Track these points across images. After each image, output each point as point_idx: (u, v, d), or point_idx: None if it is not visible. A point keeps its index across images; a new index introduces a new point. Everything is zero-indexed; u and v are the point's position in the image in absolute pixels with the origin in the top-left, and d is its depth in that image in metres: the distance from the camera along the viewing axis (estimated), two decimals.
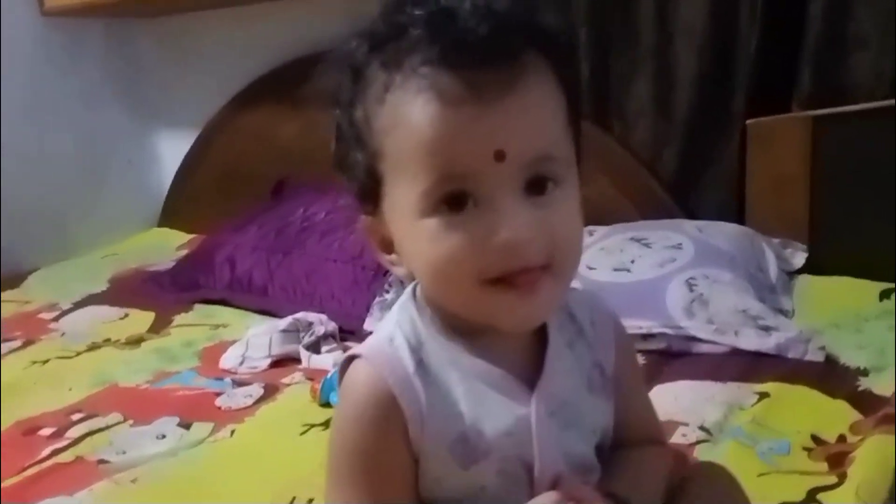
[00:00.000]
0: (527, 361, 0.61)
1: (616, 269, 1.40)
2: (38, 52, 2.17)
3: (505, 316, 0.56)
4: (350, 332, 1.46)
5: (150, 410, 1.21)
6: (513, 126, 0.53)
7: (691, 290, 1.31)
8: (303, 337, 1.40)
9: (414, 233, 0.55)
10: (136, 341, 1.53)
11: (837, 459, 0.91)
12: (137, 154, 2.44)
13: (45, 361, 1.46)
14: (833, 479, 0.88)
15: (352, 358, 0.61)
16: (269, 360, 1.36)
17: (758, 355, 1.20)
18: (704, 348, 1.24)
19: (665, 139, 1.66)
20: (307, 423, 1.12)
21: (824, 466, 0.91)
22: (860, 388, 1.08)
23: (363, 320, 1.47)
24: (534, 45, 0.55)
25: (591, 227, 1.55)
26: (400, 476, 0.59)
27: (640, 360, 1.23)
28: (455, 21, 0.53)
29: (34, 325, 1.66)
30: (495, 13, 0.53)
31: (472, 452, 0.58)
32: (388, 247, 0.60)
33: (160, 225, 2.40)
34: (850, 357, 1.17)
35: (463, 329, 0.60)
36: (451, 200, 0.53)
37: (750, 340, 1.22)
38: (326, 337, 1.41)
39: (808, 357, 1.18)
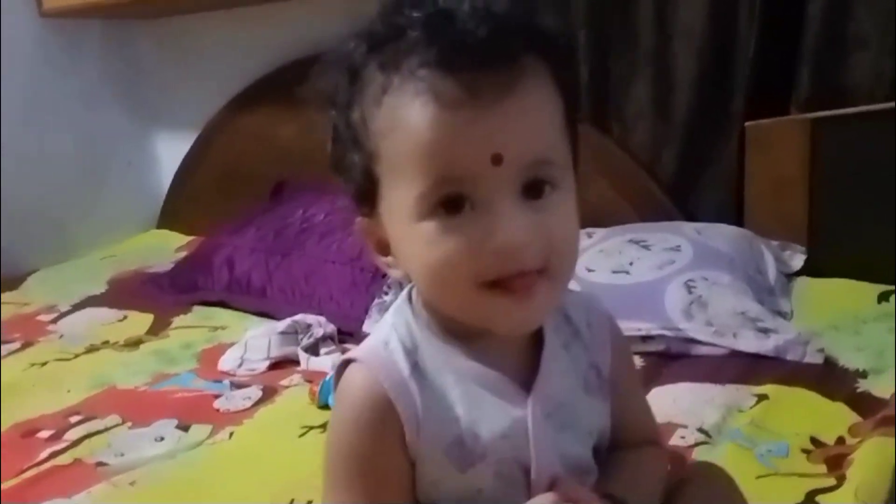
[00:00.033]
0: (523, 363, 0.61)
1: (615, 271, 1.40)
2: (36, 53, 2.17)
3: (501, 319, 0.56)
4: (349, 333, 1.46)
5: (149, 412, 1.21)
6: (510, 129, 0.53)
7: (690, 292, 1.31)
8: (301, 339, 1.40)
9: (410, 235, 0.55)
10: (134, 343, 1.53)
11: (836, 461, 0.91)
12: (137, 155, 2.44)
13: (44, 363, 1.46)
14: (832, 482, 0.88)
15: (347, 362, 0.61)
16: (267, 362, 1.36)
17: (756, 357, 1.20)
18: (703, 350, 1.24)
19: (664, 141, 1.66)
20: (306, 425, 1.11)
21: (823, 468, 0.91)
22: (859, 390, 1.08)
23: (362, 322, 1.47)
24: (532, 47, 0.54)
25: (589, 229, 1.55)
26: (396, 479, 0.59)
27: (639, 362, 1.23)
28: (453, 23, 0.53)
29: (33, 326, 1.66)
30: (493, 15, 0.53)
31: (469, 455, 0.58)
32: (385, 249, 0.60)
33: (159, 226, 2.40)
34: (849, 359, 1.17)
35: (458, 332, 0.59)
36: (448, 203, 0.53)
37: (749, 342, 1.22)
38: (325, 339, 1.41)
39: (807, 359, 1.18)
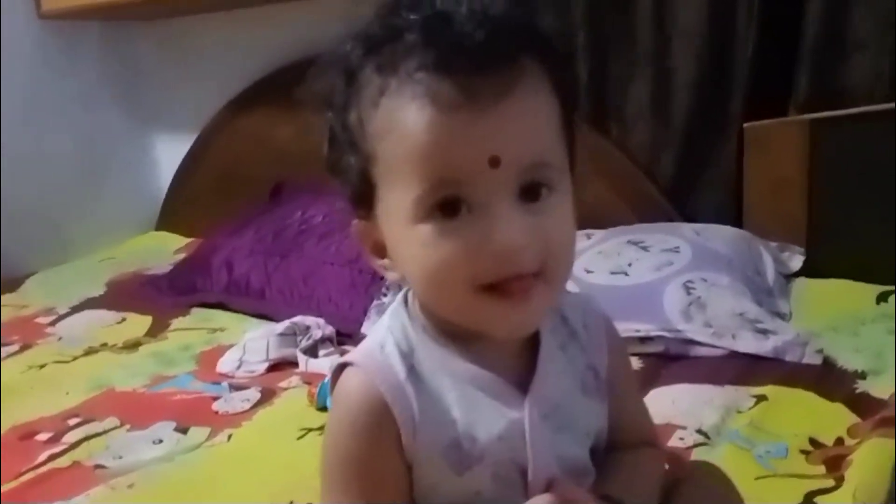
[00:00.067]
0: (519, 365, 0.61)
1: (613, 273, 1.40)
2: (35, 54, 2.17)
3: (497, 323, 0.56)
4: (347, 335, 1.46)
5: (147, 415, 1.21)
6: (508, 132, 0.52)
7: (689, 294, 1.31)
8: (300, 341, 1.40)
9: (407, 238, 0.55)
10: (133, 345, 1.53)
11: (835, 462, 0.91)
12: (135, 157, 2.44)
13: (42, 366, 1.46)
14: (831, 483, 0.88)
15: (343, 365, 0.61)
16: (266, 364, 1.36)
17: (755, 358, 1.20)
18: (702, 351, 1.25)
19: (663, 142, 1.66)
20: (304, 427, 1.11)
21: (822, 469, 0.91)
22: (858, 391, 1.09)
23: (361, 324, 1.47)
24: (529, 50, 0.54)
25: (588, 231, 1.55)
26: (393, 483, 0.59)
27: (638, 363, 1.23)
28: (451, 26, 0.52)
29: (31, 329, 1.66)
30: (491, 18, 0.53)
31: (466, 458, 0.58)
32: (381, 251, 0.60)
33: (158, 228, 2.40)
34: (848, 360, 1.17)
35: (455, 334, 0.59)
36: (445, 206, 0.53)
37: (747, 343, 1.22)
38: (324, 341, 1.41)
39: (806, 360, 1.18)
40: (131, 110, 2.41)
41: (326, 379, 1.19)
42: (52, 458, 1.10)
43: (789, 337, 1.21)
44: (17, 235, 2.07)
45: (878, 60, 1.43)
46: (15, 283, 1.99)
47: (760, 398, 1.08)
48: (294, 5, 1.99)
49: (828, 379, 1.13)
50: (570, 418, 0.62)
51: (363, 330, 1.45)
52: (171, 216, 2.38)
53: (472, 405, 0.59)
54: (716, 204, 1.63)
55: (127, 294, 1.84)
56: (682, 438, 0.99)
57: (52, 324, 1.70)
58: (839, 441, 0.96)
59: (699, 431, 1.00)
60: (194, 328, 1.61)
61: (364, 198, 0.58)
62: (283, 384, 1.29)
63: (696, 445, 0.98)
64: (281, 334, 1.40)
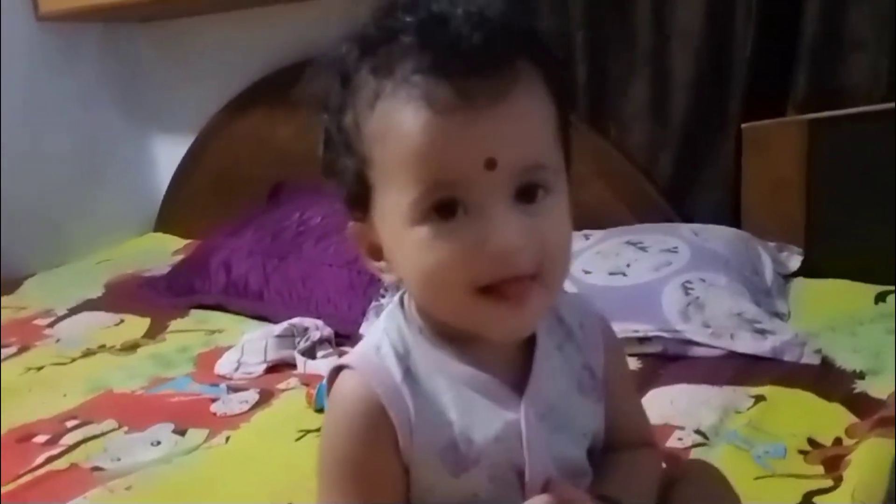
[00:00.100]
0: (515, 366, 0.61)
1: (612, 273, 1.40)
2: (33, 55, 2.17)
3: (494, 326, 0.56)
4: (346, 336, 1.46)
5: (146, 417, 1.20)
6: (504, 134, 0.52)
7: (687, 294, 1.31)
8: (298, 342, 1.40)
9: (404, 240, 0.55)
10: (131, 347, 1.53)
11: (833, 463, 0.91)
12: (133, 158, 2.44)
13: (40, 368, 1.45)
14: (829, 483, 0.88)
15: (339, 368, 0.61)
16: (264, 366, 1.36)
17: (754, 358, 1.20)
18: (700, 352, 1.24)
19: (661, 142, 1.66)
20: (303, 428, 1.11)
21: (820, 470, 0.91)
22: (856, 391, 1.09)
23: (359, 325, 1.47)
24: (525, 52, 0.54)
25: (586, 231, 1.55)
26: (390, 485, 0.59)
27: (637, 363, 1.23)
28: (447, 28, 0.52)
29: (29, 331, 1.66)
30: (487, 20, 0.53)
31: (463, 460, 0.58)
32: (377, 253, 0.60)
33: (156, 229, 2.40)
34: (846, 360, 1.17)
35: (451, 336, 0.59)
36: (442, 208, 0.53)
37: (746, 344, 1.22)
38: (322, 342, 1.41)
39: (804, 360, 1.18)
40: (130, 111, 2.41)
41: (325, 380, 1.19)
42: (49, 460, 1.10)
43: (787, 337, 1.21)
44: (16, 236, 2.07)
45: (876, 60, 1.43)
46: (13, 284, 1.99)
47: (759, 398, 1.08)
48: (292, 6, 2.00)
49: (826, 379, 1.13)
50: (566, 418, 0.62)
51: (361, 331, 1.45)
52: (169, 217, 2.37)
53: (468, 407, 0.59)
54: (714, 204, 1.63)
55: (125, 296, 1.84)
56: (680, 439, 0.99)
57: (51, 325, 1.69)
58: (838, 441, 0.96)
59: (697, 432, 1.00)
60: (192, 330, 1.60)
61: (360, 200, 0.58)
62: (281, 386, 1.29)
63: (694, 446, 0.98)
64: (279, 336, 1.40)
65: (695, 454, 0.95)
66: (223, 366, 1.37)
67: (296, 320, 1.45)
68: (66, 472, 1.07)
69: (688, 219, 1.63)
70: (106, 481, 1.02)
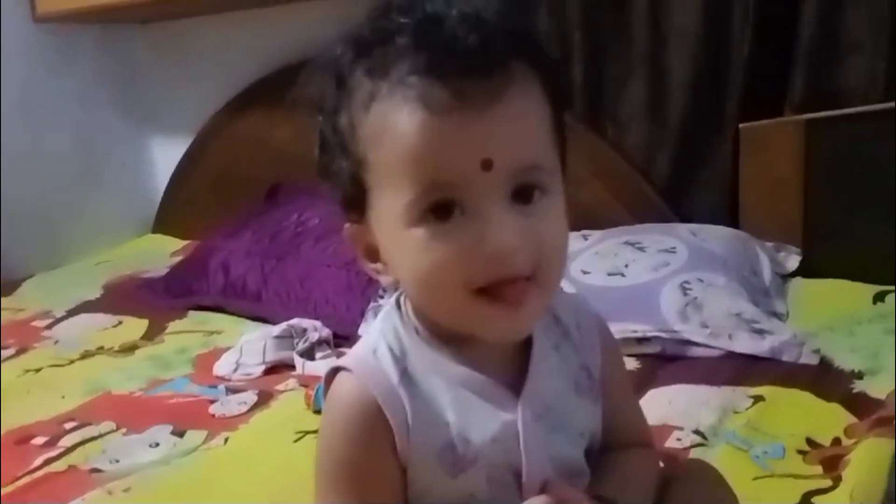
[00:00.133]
0: (512, 367, 0.61)
1: (610, 274, 1.40)
2: (31, 55, 2.16)
3: (491, 327, 0.56)
4: (344, 337, 1.46)
5: (144, 418, 1.20)
6: (500, 135, 0.52)
7: (685, 294, 1.31)
8: (297, 343, 1.40)
9: (401, 242, 0.55)
10: (129, 349, 1.53)
11: (832, 463, 0.91)
12: (132, 159, 2.44)
13: (38, 369, 1.45)
14: (828, 483, 0.88)
15: (336, 369, 0.61)
16: (263, 367, 1.36)
17: (752, 359, 1.20)
18: (699, 352, 1.25)
19: (658, 143, 1.67)
20: (301, 430, 1.11)
21: (819, 470, 0.91)
22: (854, 391, 1.09)
23: (357, 326, 1.47)
24: (520, 53, 0.54)
25: (585, 232, 1.55)
26: (388, 486, 0.59)
27: (635, 364, 1.23)
28: (442, 29, 0.52)
29: (27, 332, 1.66)
30: (482, 21, 0.53)
31: (460, 461, 0.58)
32: (374, 255, 0.60)
33: (154, 231, 2.40)
34: (845, 360, 1.17)
35: (447, 337, 0.59)
36: (438, 209, 0.53)
37: (744, 344, 1.22)
38: (321, 343, 1.41)
39: (803, 360, 1.18)
40: (128, 112, 2.41)
41: (322, 382, 1.19)
42: (48, 462, 1.09)
43: (786, 337, 1.22)
44: (14, 237, 2.07)
45: (873, 62, 1.44)
46: (11, 285, 1.98)
47: (757, 398, 1.08)
48: (291, 7, 2.00)
49: (824, 379, 1.13)
50: (563, 419, 0.62)
51: (360, 332, 1.45)
52: (167, 218, 2.37)
53: (465, 408, 0.59)
54: (712, 204, 1.63)
55: (123, 297, 1.84)
56: (679, 439, 0.99)
57: (49, 327, 1.69)
58: (836, 441, 0.96)
59: (696, 432, 1.00)
60: (191, 331, 1.60)
61: (356, 202, 0.58)
62: (279, 387, 1.29)
63: (693, 446, 0.98)
64: (277, 337, 1.40)
65: (693, 454, 0.95)
66: (222, 367, 1.37)
67: (294, 321, 1.45)
68: (65, 473, 1.06)
69: (685, 219, 1.63)
70: (104, 483, 1.02)
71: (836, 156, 1.48)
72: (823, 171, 1.49)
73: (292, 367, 1.36)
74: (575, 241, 1.50)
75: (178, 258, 2.03)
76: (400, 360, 0.59)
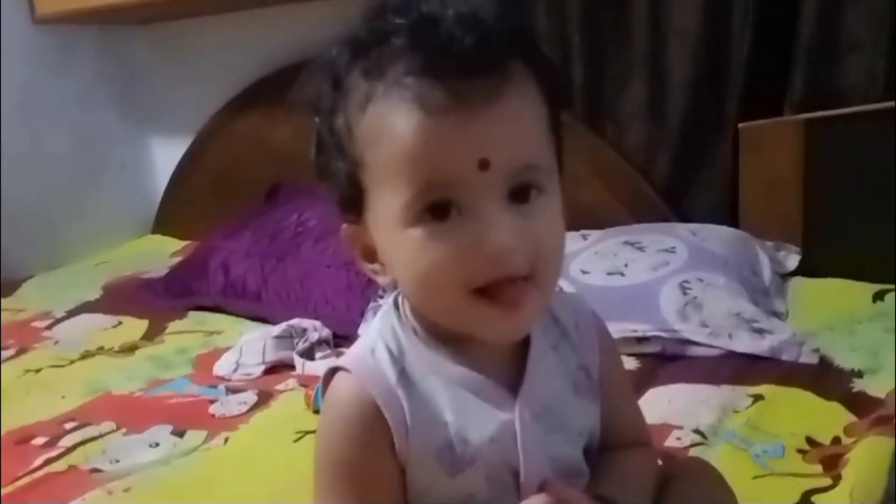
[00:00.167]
0: (510, 367, 0.61)
1: (610, 273, 1.40)
2: (30, 58, 2.16)
3: (489, 328, 0.56)
4: (344, 337, 1.45)
5: (144, 418, 1.20)
6: (497, 135, 0.53)
7: (685, 294, 1.31)
8: (297, 343, 1.40)
9: (398, 242, 0.55)
10: (129, 349, 1.53)
11: (832, 461, 0.91)
12: (131, 160, 2.44)
13: (39, 370, 1.45)
14: (828, 481, 0.88)
15: (334, 370, 0.61)
16: (262, 367, 1.36)
17: (752, 358, 1.20)
18: (698, 351, 1.25)
19: (658, 143, 1.66)
20: (301, 429, 1.11)
21: (819, 468, 0.91)
22: (854, 390, 1.09)
23: (357, 326, 1.47)
24: (517, 53, 0.54)
25: (584, 231, 1.55)
26: (386, 487, 0.59)
27: (635, 363, 1.23)
28: (438, 30, 0.52)
29: (28, 333, 1.66)
30: (478, 21, 0.53)
31: (459, 460, 0.58)
32: (371, 255, 0.60)
33: (154, 231, 2.40)
34: (844, 359, 1.17)
35: (445, 337, 0.59)
36: (435, 209, 0.53)
37: (744, 343, 1.22)
38: (320, 343, 1.41)
39: (802, 359, 1.18)
40: (128, 112, 2.41)
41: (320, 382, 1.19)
42: (48, 462, 1.09)
43: (786, 336, 1.22)
44: (14, 238, 2.07)
45: (872, 61, 1.44)
46: (12, 286, 1.98)
47: (757, 398, 1.08)
48: (290, 8, 1.99)
49: (824, 378, 1.13)
50: (562, 418, 0.62)
51: (360, 332, 1.44)
52: (167, 219, 2.37)
53: (463, 407, 0.59)
54: (711, 204, 1.63)
55: (123, 298, 1.84)
56: (678, 438, 0.99)
57: (49, 328, 1.69)
58: (836, 440, 0.96)
59: (696, 431, 1.00)
60: (191, 331, 1.60)
61: (353, 202, 0.58)
62: (279, 387, 1.29)
63: (692, 445, 0.98)
64: (277, 337, 1.40)
65: (693, 454, 0.95)
66: (221, 367, 1.37)
67: (294, 321, 1.45)
68: (65, 473, 1.06)
69: (685, 219, 1.62)
70: (104, 483, 1.02)
71: (836, 155, 1.48)
72: (823, 171, 1.49)
73: (292, 367, 1.36)
74: (574, 240, 1.50)
75: (178, 258, 2.03)
76: (398, 360, 0.59)
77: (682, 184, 1.66)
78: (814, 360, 1.18)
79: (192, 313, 1.69)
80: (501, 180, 0.53)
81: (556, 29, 1.68)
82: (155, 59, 2.38)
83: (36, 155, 2.16)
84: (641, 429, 0.73)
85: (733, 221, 1.59)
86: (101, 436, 1.16)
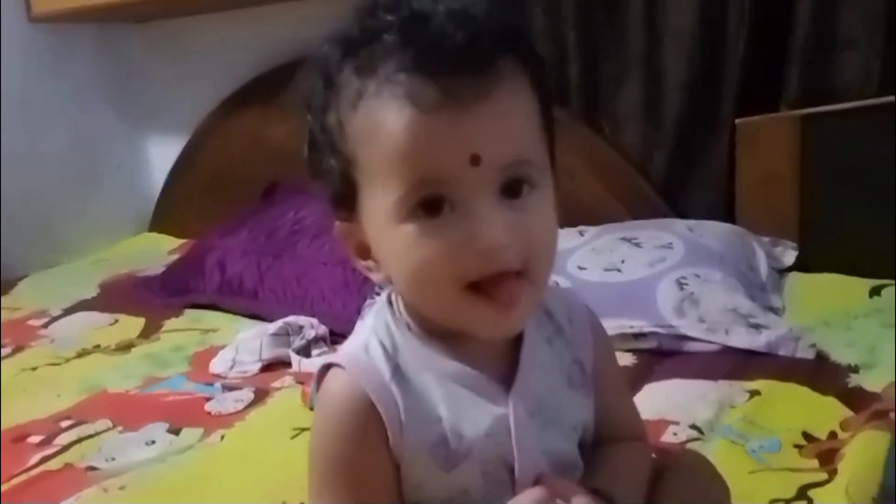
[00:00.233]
0: (504, 362, 0.61)
1: (607, 269, 1.40)
2: (27, 54, 2.16)
3: (482, 325, 0.56)
4: (341, 335, 1.45)
5: (140, 416, 1.20)
6: (488, 130, 0.53)
7: (682, 290, 1.31)
8: (293, 341, 1.39)
9: (391, 238, 0.55)
10: (126, 347, 1.53)
11: (828, 456, 0.91)
12: (128, 158, 2.44)
13: (35, 368, 1.45)
14: (823, 476, 0.88)
15: (328, 366, 0.61)
16: (259, 365, 1.36)
17: (748, 353, 1.20)
18: (695, 347, 1.25)
19: (654, 143, 1.66)
20: (297, 427, 1.11)
21: (815, 463, 0.91)
22: (850, 385, 1.09)
23: (354, 323, 1.46)
24: (508, 49, 0.54)
25: (581, 228, 1.55)
26: (381, 482, 0.59)
27: (632, 359, 1.23)
28: (429, 26, 0.52)
29: (24, 331, 1.66)
30: (469, 18, 0.53)
31: (453, 455, 0.58)
32: (365, 252, 0.60)
33: (151, 229, 2.39)
34: (841, 354, 1.17)
35: (439, 333, 0.59)
36: (428, 205, 0.53)
37: (740, 339, 1.22)
38: (317, 340, 1.41)
39: (799, 354, 1.19)
40: (124, 111, 2.40)
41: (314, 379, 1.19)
42: (44, 460, 1.09)
43: (782, 332, 1.22)
44: (10, 236, 2.07)
45: (868, 58, 1.44)
46: (8, 285, 1.98)
47: (754, 393, 1.08)
48: (286, 6, 1.99)
49: (821, 373, 1.13)
50: (556, 413, 0.62)
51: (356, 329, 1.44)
52: (163, 217, 2.37)
53: (457, 403, 0.59)
54: (708, 200, 1.63)
55: (119, 296, 1.83)
56: (675, 434, 0.99)
57: (45, 326, 1.69)
58: (832, 435, 0.97)
59: (693, 427, 1.00)
60: (187, 329, 1.60)
61: (346, 199, 0.58)
62: (276, 384, 1.29)
63: (689, 441, 0.98)
64: (274, 334, 1.40)
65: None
66: (218, 365, 1.37)
67: (290, 319, 1.44)
68: (61, 472, 1.06)
69: (682, 215, 1.63)
70: (100, 481, 1.02)
71: (832, 151, 1.48)
72: (819, 166, 1.49)
73: (289, 364, 1.36)
74: (571, 237, 1.50)
75: (175, 256, 2.03)
76: (392, 356, 0.59)
77: (679, 180, 1.66)
78: (810, 355, 1.18)
79: (188, 311, 1.69)
80: (493, 176, 0.53)
81: (552, 28, 1.68)
82: (151, 57, 2.38)
83: (32, 153, 2.16)
84: (635, 423, 0.73)
85: (730, 217, 1.59)
86: (97, 434, 1.16)
